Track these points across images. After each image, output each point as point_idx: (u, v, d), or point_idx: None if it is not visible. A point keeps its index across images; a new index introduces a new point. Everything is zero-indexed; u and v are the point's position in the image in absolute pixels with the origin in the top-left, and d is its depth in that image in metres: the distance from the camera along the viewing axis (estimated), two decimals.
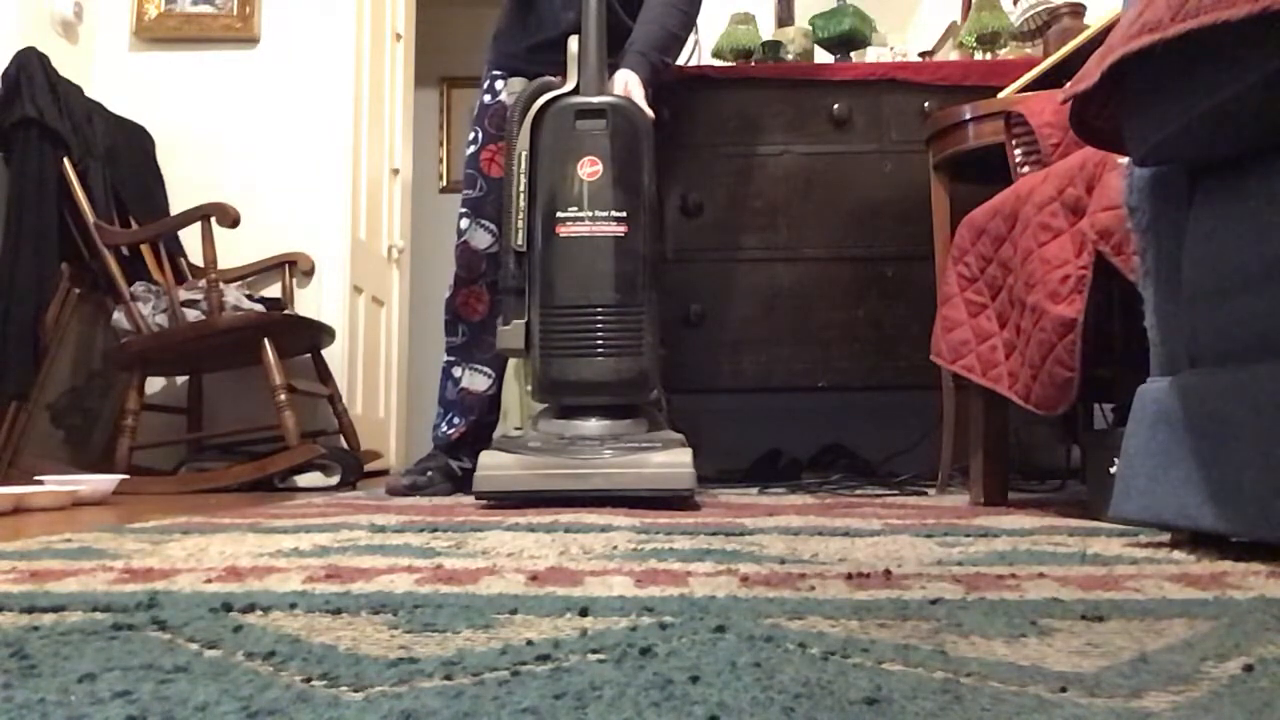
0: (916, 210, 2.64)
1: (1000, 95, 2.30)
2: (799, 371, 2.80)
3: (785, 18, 3.29)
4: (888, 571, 0.93)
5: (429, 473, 2.42)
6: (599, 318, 1.94)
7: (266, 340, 2.83)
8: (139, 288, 2.94)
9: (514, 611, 0.74)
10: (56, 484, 2.16)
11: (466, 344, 2.51)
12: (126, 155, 3.22)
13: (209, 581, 0.89)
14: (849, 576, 0.90)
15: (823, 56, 3.14)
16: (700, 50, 3.03)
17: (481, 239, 2.45)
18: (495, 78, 2.50)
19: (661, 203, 2.75)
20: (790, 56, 3.11)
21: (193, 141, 3.45)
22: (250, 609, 0.75)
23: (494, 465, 1.85)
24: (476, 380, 2.49)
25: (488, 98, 2.51)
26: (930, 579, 0.89)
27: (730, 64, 3.08)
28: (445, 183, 5.51)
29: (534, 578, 0.91)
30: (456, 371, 2.51)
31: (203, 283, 2.91)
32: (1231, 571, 0.92)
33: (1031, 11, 2.86)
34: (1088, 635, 0.66)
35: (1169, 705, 0.50)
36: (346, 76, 3.55)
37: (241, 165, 3.46)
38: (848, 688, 0.53)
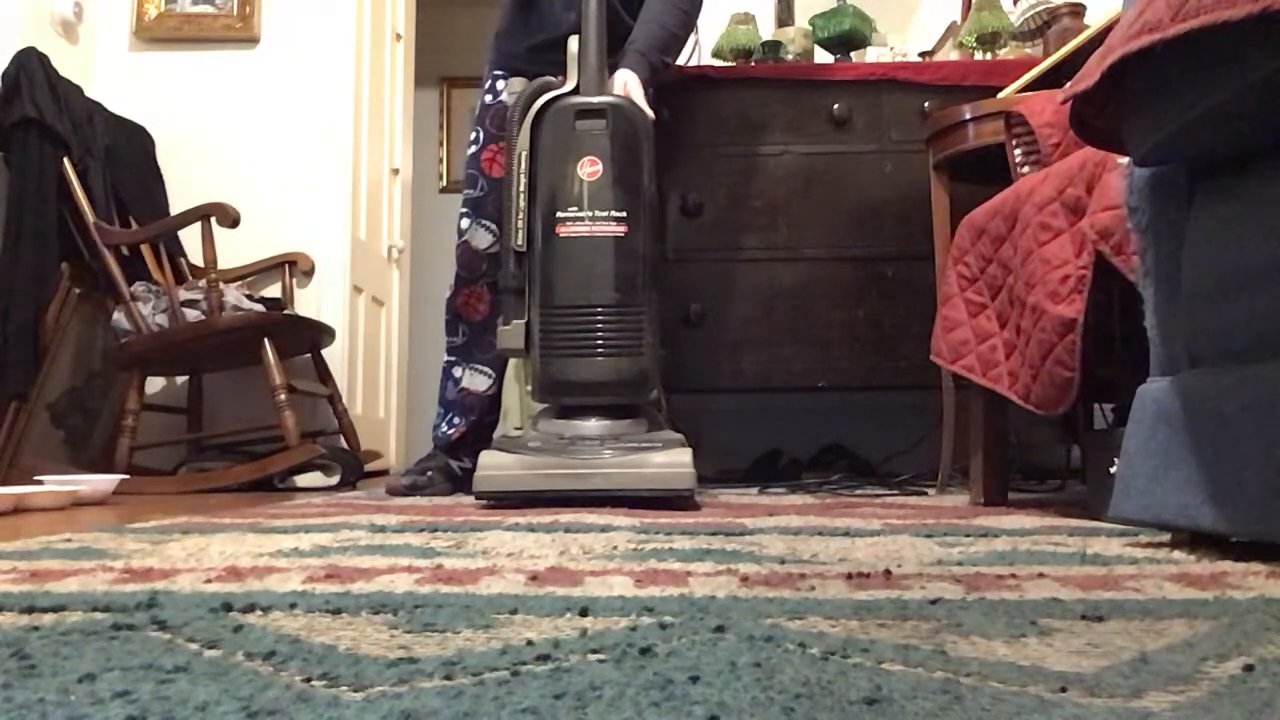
0: (916, 210, 2.65)
1: (1000, 95, 2.30)
2: (799, 371, 2.80)
3: (785, 18, 3.29)
4: (888, 571, 0.93)
5: (429, 473, 2.42)
6: (599, 318, 1.94)
7: (266, 340, 2.83)
8: (139, 288, 2.94)
9: (514, 611, 0.74)
10: (56, 484, 2.16)
11: (467, 344, 2.51)
12: (126, 155, 3.22)
13: (209, 581, 0.89)
14: (849, 576, 0.90)
15: (823, 56, 3.14)
16: (700, 50, 3.03)
17: (482, 239, 2.45)
18: (496, 77, 2.50)
19: (663, 203, 2.75)
20: (790, 56, 3.11)
21: (193, 141, 3.45)
22: (250, 609, 0.75)
23: (494, 465, 1.85)
24: (477, 380, 2.49)
25: (489, 97, 2.51)
26: (930, 579, 0.89)
27: (730, 64, 3.08)
28: (445, 183, 5.52)
29: (534, 578, 0.91)
30: (457, 371, 2.51)
31: (203, 283, 2.91)
32: (1231, 571, 0.92)
33: (1031, 11, 2.86)
34: (1088, 635, 0.66)
35: (1169, 705, 0.50)
36: (346, 76, 3.55)
37: (241, 165, 3.46)
38: (848, 688, 0.53)
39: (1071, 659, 0.59)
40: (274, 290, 3.39)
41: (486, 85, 2.53)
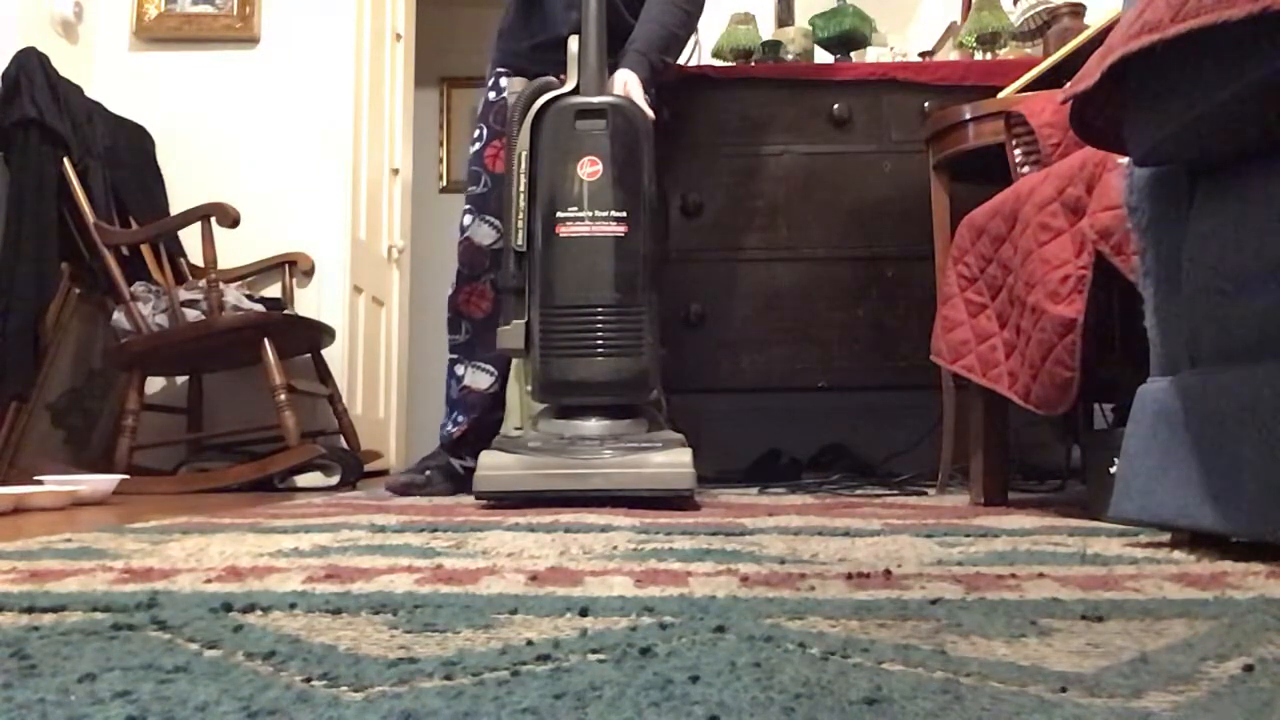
0: (916, 210, 2.64)
1: (1000, 95, 2.30)
2: (799, 371, 2.80)
3: (785, 18, 3.29)
4: (888, 571, 0.93)
5: (428, 472, 2.42)
6: (599, 318, 1.94)
7: (266, 340, 2.83)
8: (139, 288, 2.94)
9: (514, 611, 0.74)
10: (56, 484, 2.16)
11: (469, 341, 2.51)
12: (126, 155, 3.22)
13: (209, 581, 0.89)
14: (849, 576, 0.90)
15: (823, 56, 3.14)
16: (700, 50, 3.03)
17: (485, 234, 2.44)
18: (499, 75, 2.50)
19: (665, 203, 2.75)
20: (790, 56, 3.11)
21: (193, 141, 3.45)
22: (250, 609, 0.75)
23: (494, 465, 1.85)
24: (479, 378, 2.49)
25: (492, 95, 2.51)
26: (930, 579, 0.89)
27: (730, 64, 3.08)
28: (445, 183, 5.51)
29: (534, 578, 0.91)
30: (460, 369, 2.51)
31: (203, 283, 2.91)
32: (1231, 571, 0.92)
33: (1031, 11, 2.86)
34: (1088, 635, 0.66)
35: (1169, 705, 0.50)
36: (346, 76, 3.55)
37: (241, 165, 3.46)
38: (848, 688, 0.53)
39: (1071, 659, 0.59)
40: (274, 290, 3.40)
41: (490, 83, 2.53)
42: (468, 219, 2.47)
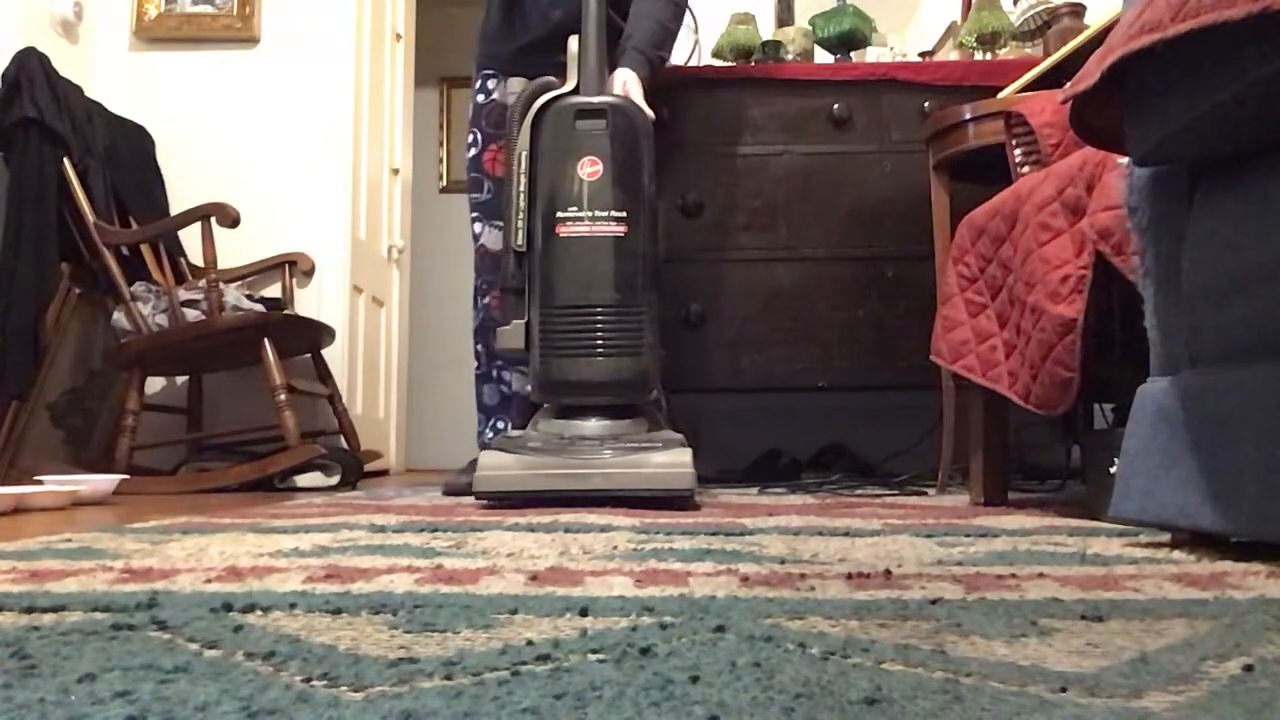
0: (916, 210, 2.65)
1: (1000, 95, 2.30)
2: (799, 371, 2.80)
3: (785, 18, 3.29)
4: (888, 571, 0.93)
5: None
6: (599, 318, 1.94)
7: (266, 340, 2.83)
8: (139, 288, 2.94)
9: (514, 611, 0.74)
10: (56, 484, 2.16)
11: None
12: (126, 155, 3.22)
13: (209, 581, 0.89)
14: (849, 576, 0.90)
15: (823, 56, 3.14)
16: (700, 50, 3.03)
17: (497, 239, 2.43)
18: (486, 76, 2.50)
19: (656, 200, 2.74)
20: (790, 56, 3.11)
21: (192, 141, 3.45)
22: (250, 609, 0.75)
23: (494, 465, 1.85)
24: (520, 380, 2.46)
25: (480, 98, 2.50)
26: (930, 579, 0.89)
27: (730, 64, 3.08)
28: (445, 183, 5.52)
29: (534, 578, 0.91)
30: (505, 375, 2.48)
31: (203, 283, 2.91)
32: (1231, 571, 0.92)
33: (1031, 11, 2.86)
34: (1088, 635, 0.66)
35: (1169, 705, 0.50)
36: (346, 76, 3.56)
37: (241, 165, 3.46)
38: (848, 688, 0.53)
39: (1071, 659, 0.59)
40: (274, 290, 3.40)
41: (476, 85, 2.52)
42: (477, 226, 2.47)
